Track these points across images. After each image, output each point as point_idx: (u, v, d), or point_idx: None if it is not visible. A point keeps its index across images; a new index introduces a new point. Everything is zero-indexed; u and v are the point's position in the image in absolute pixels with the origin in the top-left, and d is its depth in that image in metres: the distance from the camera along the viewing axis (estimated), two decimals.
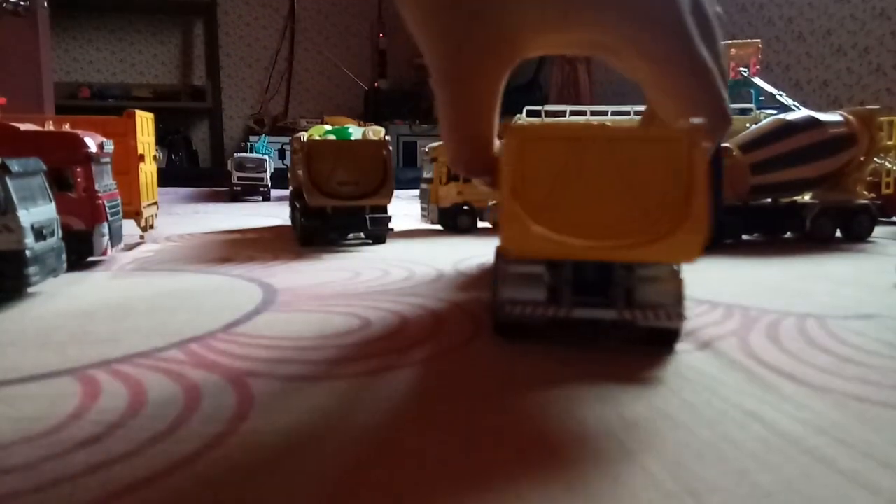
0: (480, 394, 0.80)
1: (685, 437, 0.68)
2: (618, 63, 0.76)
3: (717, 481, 0.59)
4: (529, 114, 2.46)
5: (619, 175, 0.80)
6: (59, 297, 1.30)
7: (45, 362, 0.90)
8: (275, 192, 4.20)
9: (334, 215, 2.04)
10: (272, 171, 4.24)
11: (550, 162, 0.80)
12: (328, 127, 2.46)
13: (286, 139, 4.50)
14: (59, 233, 1.35)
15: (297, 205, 2.20)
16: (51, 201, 1.35)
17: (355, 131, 2.31)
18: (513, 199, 0.80)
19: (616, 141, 0.80)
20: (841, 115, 2.16)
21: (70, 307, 1.22)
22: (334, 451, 0.65)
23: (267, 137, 5.05)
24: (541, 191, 0.80)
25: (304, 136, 2.26)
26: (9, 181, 1.19)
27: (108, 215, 1.62)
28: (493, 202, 2.14)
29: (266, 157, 4.28)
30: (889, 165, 2.42)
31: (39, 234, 1.26)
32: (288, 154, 3.55)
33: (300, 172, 2.10)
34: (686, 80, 0.71)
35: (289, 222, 2.62)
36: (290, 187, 2.64)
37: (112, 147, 1.73)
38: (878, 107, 2.22)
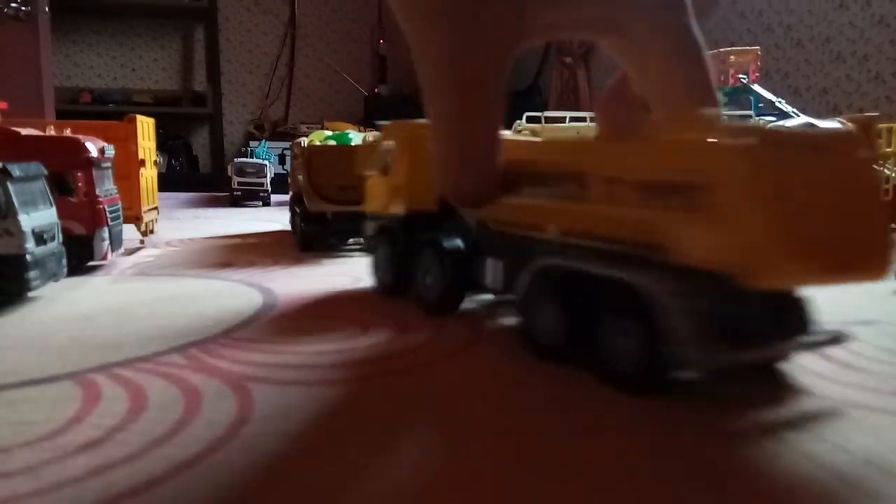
0: (480, 396, 0.81)
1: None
2: (618, 44, 0.72)
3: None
4: (529, 119, 2.46)
5: (832, 187, 0.69)
6: (59, 301, 1.31)
7: (45, 366, 0.90)
8: (275, 198, 4.21)
9: (334, 220, 2.04)
10: (272, 176, 4.24)
11: (793, 172, 0.66)
12: (328, 132, 2.47)
13: (286, 144, 4.51)
14: (59, 237, 1.36)
15: (298, 210, 2.21)
16: (52, 206, 1.35)
17: (355, 137, 2.31)
18: (775, 219, 0.64)
19: (827, 149, 0.70)
20: (840, 122, 2.17)
21: (70, 311, 1.22)
22: (334, 455, 0.65)
23: (267, 143, 5.06)
24: (784, 207, 0.65)
25: (304, 141, 2.26)
26: (10, 186, 1.20)
27: (109, 220, 1.62)
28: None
29: (266, 162, 4.29)
30: (888, 172, 2.43)
31: (40, 238, 1.26)
32: (288, 159, 3.55)
33: (300, 178, 2.10)
34: (689, 59, 0.68)
35: (289, 227, 2.63)
36: (291, 192, 2.65)
37: (113, 152, 1.74)
38: (877, 114, 2.23)
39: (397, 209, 1.30)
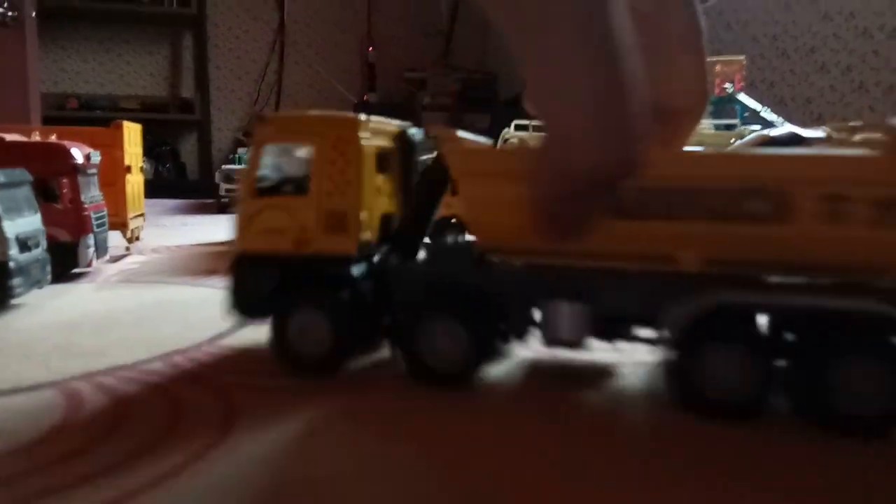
0: (466, 404, 0.81)
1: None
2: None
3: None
4: (518, 128, 2.47)
5: None
6: (43, 308, 1.29)
7: (28, 375, 0.89)
8: None
9: None
10: None
11: None
12: None
13: None
14: (44, 244, 1.35)
15: None
16: (36, 212, 1.34)
17: None
18: None
19: None
20: (824, 130, 2.19)
21: (54, 319, 1.21)
22: (319, 462, 0.64)
23: None
24: None
25: None
26: None
27: (94, 227, 1.61)
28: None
29: None
30: None
31: (24, 245, 1.25)
32: None
33: None
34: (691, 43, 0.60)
35: None
36: None
37: (99, 158, 1.72)
38: (860, 123, 2.25)
39: (340, 245, 0.90)
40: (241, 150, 5.08)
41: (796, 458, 0.67)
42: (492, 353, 0.89)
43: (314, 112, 1.00)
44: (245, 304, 0.95)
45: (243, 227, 0.93)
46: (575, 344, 0.85)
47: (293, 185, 0.94)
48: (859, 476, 0.64)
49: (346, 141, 0.90)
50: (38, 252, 1.31)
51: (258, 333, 1.13)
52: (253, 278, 0.93)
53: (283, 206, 0.92)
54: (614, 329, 0.85)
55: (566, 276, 0.83)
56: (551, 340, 0.86)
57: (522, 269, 0.86)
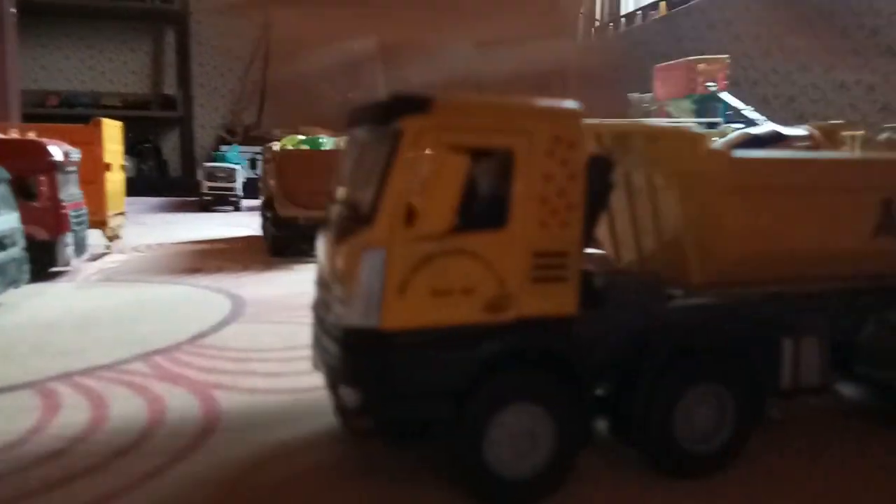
0: None
1: None
2: None
3: None
4: None
5: None
6: (20, 308, 1.28)
7: (4, 375, 0.88)
8: (246, 203, 4.18)
9: (306, 226, 2.02)
10: (243, 180, 4.21)
11: None
12: (301, 137, 2.45)
13: (258, 149, 4.48)
14: (21, 242, 1.33)
15: (269, 215, 2.19)
16: (13, 210, 1.32)
17: (327, 140, 2.29)
18: None
19: None
20: (806, 129, 2.20)
21: (32, 318, 1.19)
22: (303, 465, 0.64)
23: (238, 147, 5.02)
24: None
25: (276, 145, 2.25)
26: None
27: (73, 225, 1.59)
28: None
29: (237, 166, 4.25)
30: None
31: (0, 243, 1.23)
32: (259, 164, 3.53)
33: (272, 182, 2.08)
34: None
35: (260, 233, 2.61)
36: (262, 197, 2.63)
37: (78, 156, 1.70)
38: (841, 121, 2.27)
39: (555, 304, 0.61)
40: (224, 148, 5.04)
41: None
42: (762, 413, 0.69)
43: (507, 99, 0.68)
44: (408, 418, 0.58)
45: (396, 289, 0.57)
46: (822, 388, 0.71)
47: (473, 213, 0.59)
48: None
49: (569, 142, 0.60)
50: (15, 251, 1.30)
51: (242, 333, 1.12)
52: (423, 372, 0.58)
53: (466, 250, 0.58)
54: (849, 364, 0.74)
55: (808, 303, 0.70)
56: (795, 388, 0.68)
57: (770, 301, 0.69)
